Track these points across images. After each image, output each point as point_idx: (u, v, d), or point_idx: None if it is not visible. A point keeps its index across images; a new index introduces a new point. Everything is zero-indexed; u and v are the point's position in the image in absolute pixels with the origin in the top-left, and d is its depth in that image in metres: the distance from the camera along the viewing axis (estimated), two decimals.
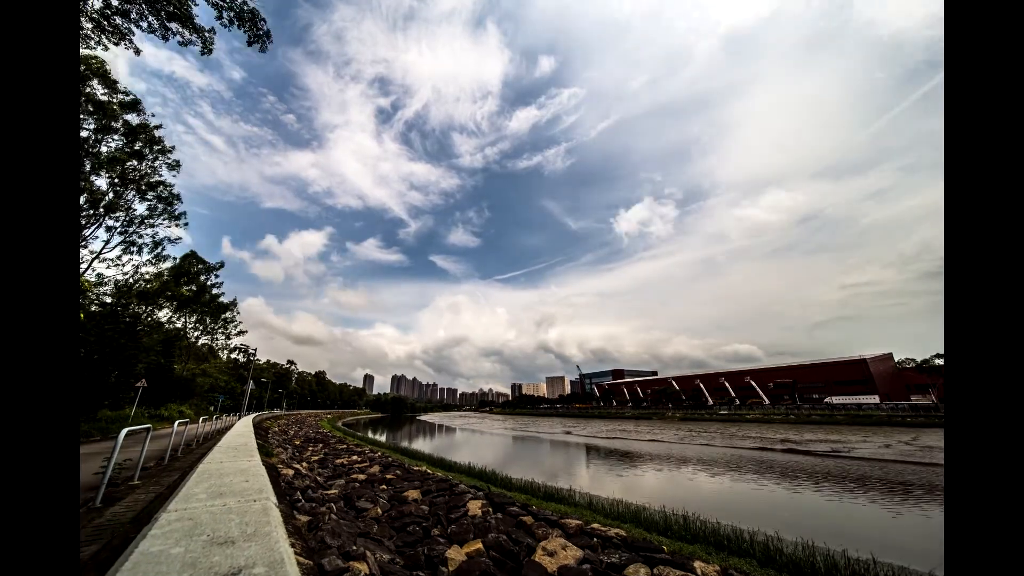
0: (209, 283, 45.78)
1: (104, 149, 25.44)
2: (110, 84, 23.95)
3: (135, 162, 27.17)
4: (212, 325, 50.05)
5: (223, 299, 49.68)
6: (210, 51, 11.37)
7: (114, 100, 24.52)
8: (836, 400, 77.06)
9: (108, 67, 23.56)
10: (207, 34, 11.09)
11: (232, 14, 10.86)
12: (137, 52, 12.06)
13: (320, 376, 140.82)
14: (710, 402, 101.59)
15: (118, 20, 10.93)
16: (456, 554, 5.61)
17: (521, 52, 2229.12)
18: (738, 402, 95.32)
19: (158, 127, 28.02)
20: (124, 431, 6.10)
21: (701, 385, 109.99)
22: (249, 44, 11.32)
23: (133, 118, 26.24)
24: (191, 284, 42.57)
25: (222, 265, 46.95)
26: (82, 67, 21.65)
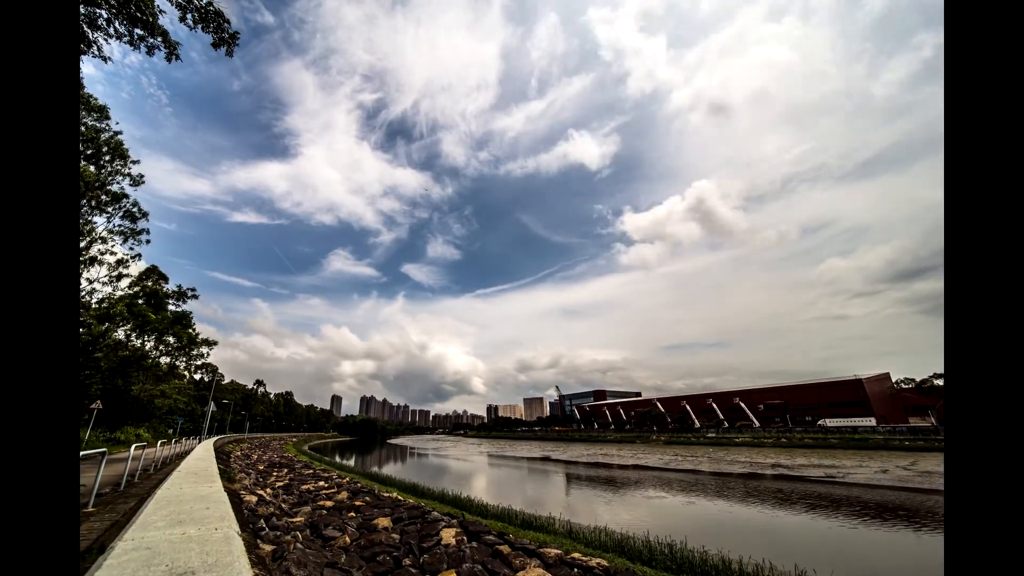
0: (178, 309, 42.50)
1: None
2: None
3: (97, 171, 26.02)
4: (178, 346, 47.05)
5: (195, 326, 46.71)
6: (177, 57, 11.18)
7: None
8: (830, 423, 73.09)
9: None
10: (173, 41, 10.91)
11: (196, 15, 10.60)
12: (105, 60, 11.68)
13: (288, 397, 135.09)
14: (697, 425, 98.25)
15: (85, 30, 10.60)
16: None
17: (525, 23, 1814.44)
18: (726, 425, 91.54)
19: (119, 133, 26.97)
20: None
21: (687, 407, 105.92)
22: (215, 47, 11.04)
23: (95, 123, 25.11)
24: (152, 302, 40.18)
25: (195, 294, 43.74)
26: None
